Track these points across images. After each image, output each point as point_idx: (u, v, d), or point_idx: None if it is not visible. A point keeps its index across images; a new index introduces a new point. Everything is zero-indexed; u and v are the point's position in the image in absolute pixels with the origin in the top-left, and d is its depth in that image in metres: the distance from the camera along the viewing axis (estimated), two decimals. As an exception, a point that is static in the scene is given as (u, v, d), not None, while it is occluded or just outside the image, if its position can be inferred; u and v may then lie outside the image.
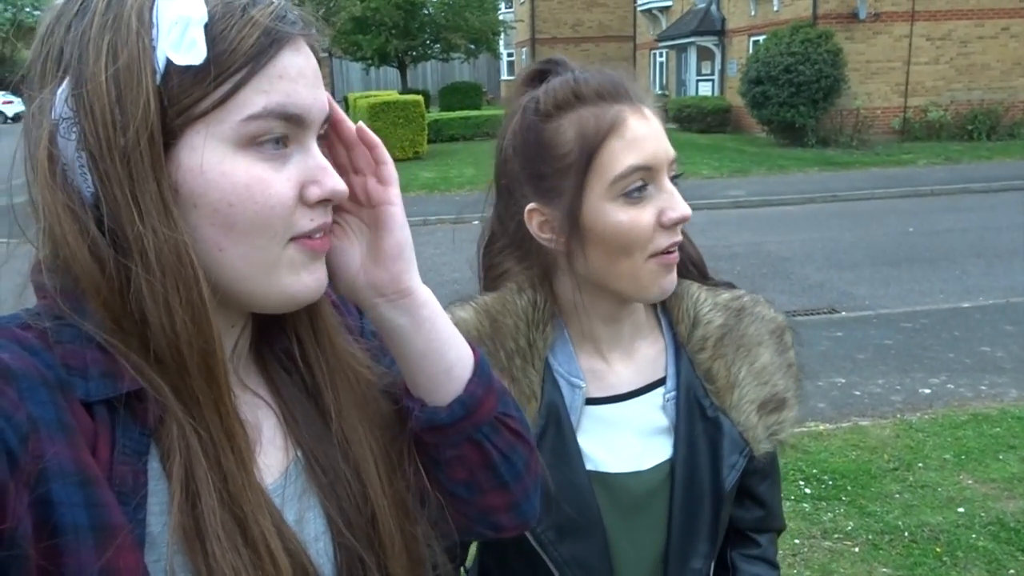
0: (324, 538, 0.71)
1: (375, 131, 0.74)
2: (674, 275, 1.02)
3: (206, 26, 0.59)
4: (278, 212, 0.62)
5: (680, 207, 0.97)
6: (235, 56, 0.60)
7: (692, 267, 1.14)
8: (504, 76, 37.20)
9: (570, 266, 1.02)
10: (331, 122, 0.70)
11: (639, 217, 0.96)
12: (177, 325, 0.58)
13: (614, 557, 1.05)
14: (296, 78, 0.63)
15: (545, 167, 0.99)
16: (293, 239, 0.64)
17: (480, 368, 0.77)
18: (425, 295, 0.75)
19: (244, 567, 0.60)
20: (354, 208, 0.73)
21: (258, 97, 0.60)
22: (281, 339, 0.75)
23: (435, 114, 22.20)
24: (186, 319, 0.59)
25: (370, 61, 26.63)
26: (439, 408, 0.74)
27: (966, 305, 6.40)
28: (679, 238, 1.00)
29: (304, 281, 0.66)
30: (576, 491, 1.02)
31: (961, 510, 3.49)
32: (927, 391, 4.81)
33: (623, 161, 0.95)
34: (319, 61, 0.68)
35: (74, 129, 0.58)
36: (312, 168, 0.65)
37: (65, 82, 0.58)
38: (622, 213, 0.96)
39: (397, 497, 0.75)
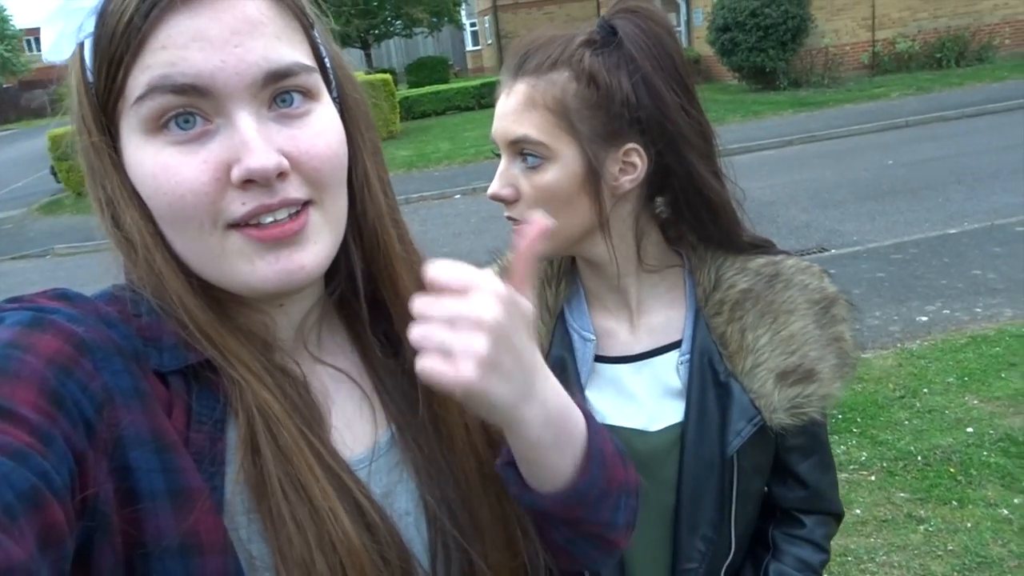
0: (416, 513, 0.69)
1: None
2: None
3: (99, 14, 0.57)
4: (190, 201, 0.57)
5: (493, 186, 1.01)
6: (115, 39, 0.56)
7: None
8: (469, 47, 36.71)
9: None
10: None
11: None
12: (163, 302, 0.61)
13: None
14: (186, 44, 0.55)
15: None
16: (234, 227, 0.58)
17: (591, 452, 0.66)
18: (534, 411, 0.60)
19: (306, 522, 0.58)
20: None
21: (143, 75, 0.56)
22: (381, 321, 0.73)
23: (404, 91, 21.95)
24: (164, 300, 0.60)
25: (331, 43, 26.21)
26: (543, 496, 0.64)
27: (952, 231, 6.45)
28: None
29: (261, 272, 0.59)
30: None
31: (970, 430, 3.56)
32: (924, 318, 4.87)
33: None
34: (288, 9, 0.60)
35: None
36: (236, 145, 0.57)
37: None
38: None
39: (493, 482, 0.71)
